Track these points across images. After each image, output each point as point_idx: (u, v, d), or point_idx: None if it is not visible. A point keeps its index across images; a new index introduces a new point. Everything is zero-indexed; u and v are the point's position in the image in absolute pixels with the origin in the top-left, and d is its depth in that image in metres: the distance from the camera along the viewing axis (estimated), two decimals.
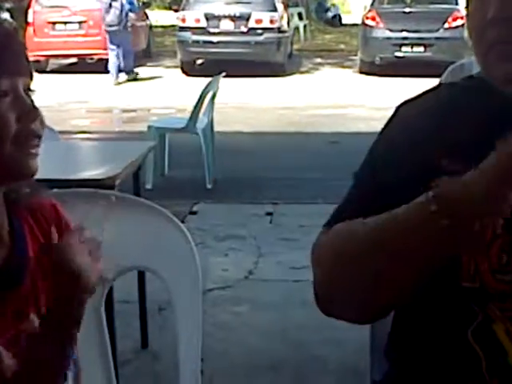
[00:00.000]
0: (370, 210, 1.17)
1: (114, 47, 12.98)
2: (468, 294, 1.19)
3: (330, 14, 25.55)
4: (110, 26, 12.86)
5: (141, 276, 3.36)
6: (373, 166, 1.29)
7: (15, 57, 1.31)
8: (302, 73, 15.00)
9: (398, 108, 1.34)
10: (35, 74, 1.34)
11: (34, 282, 1.37)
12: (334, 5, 26.69)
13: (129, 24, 13.19)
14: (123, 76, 13.27)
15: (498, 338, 1.18)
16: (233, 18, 14.23)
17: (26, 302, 1.35)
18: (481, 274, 1.17)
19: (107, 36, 13.06)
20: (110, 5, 12.78)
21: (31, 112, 1.30)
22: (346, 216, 1.21)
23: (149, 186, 5.92)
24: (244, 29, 14.22)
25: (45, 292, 1.36)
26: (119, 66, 13.09)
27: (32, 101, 1.31)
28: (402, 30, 14.03)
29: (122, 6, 12.82)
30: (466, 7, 1.23)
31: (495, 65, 1.19)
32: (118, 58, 13.02)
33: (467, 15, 1.23)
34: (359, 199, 1.28)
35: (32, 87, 1.33)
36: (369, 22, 14.55)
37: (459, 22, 13.80)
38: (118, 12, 12.77)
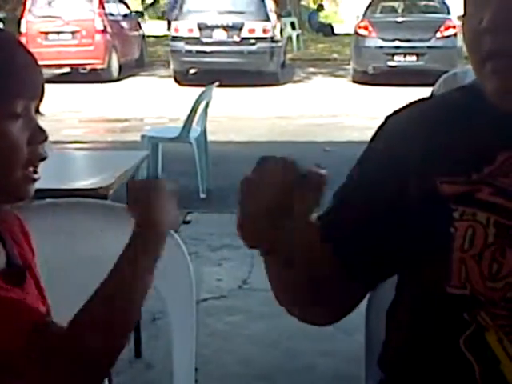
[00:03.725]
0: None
1: None
2: (459, 301, 1.19)
3: (321, 21, 25.60)
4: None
5: None
6: (355, 176, 1.33)
7: (34, 79, 1.30)
8: (295, 82, 15.01)
9: (387, 118, 1.35)
10: None
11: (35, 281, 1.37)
12: (318, 16, 26.60)
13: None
14: None
15: (491, 347, 1.19)
16: (226, 28, 14.25)
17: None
18: (471, 281, 1.17)
19: None
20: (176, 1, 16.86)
21: (40, 134, 1.28)
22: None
23: None
24: (237, 38, 14.23)
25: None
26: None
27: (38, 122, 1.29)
28: (394, 40, 14.08)
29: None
30: (463, 16, 1.23)
31: (488, 77, 1.19)
32: None
33: (463, 24, 1.23)
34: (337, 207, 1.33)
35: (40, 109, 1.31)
36: (361, 31, 14.59)
37: (451, 32, 13.86)
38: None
